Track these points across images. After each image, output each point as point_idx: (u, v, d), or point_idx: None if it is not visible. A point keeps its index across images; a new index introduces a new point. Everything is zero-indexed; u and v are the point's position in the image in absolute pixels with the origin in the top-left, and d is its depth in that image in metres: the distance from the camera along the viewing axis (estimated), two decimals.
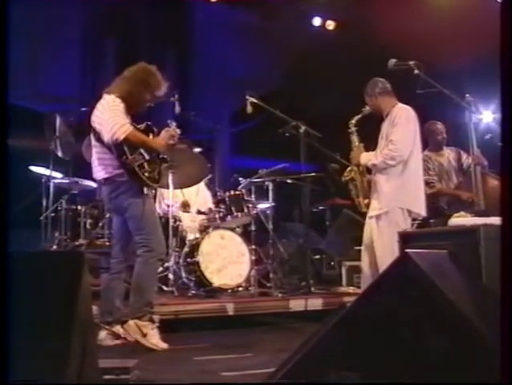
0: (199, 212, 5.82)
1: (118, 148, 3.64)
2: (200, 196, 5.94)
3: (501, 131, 2.18)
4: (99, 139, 3.72)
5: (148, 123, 3.91)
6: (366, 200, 4.34)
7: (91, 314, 2.26)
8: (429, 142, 5.39)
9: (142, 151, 3.74)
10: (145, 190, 3.78)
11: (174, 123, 3.98)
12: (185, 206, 5.66)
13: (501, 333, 1.77)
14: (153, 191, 4.54)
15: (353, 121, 4.50)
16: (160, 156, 3.94)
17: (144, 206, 3.74)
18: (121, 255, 3.87)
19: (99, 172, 3.79)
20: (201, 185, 5.93)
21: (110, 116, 3.63)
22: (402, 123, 4.22)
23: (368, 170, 4.44)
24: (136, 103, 3.81)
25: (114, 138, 3.56)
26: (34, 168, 5.69)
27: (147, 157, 3.76)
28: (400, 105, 4.36)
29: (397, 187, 4.22)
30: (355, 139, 4.49)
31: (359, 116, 4.48)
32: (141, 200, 3.74)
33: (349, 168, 4.45)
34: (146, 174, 3.74)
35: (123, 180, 3.71)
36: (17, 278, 1.83)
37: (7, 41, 2.04)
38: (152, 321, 3.69)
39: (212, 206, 5.48)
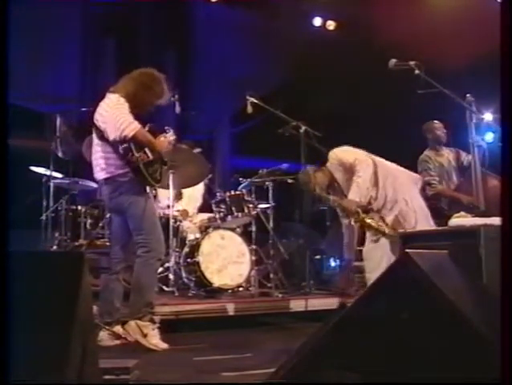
0: (185, 213, 5.74)
1: (124, 146, 3.65)
2: (194, 195, 5.92)
3: (501, 131, 2.18)
4: (102, 137, 3.72)
5: (150, 125, 3.91)
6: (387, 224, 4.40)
7: (91, 313, 2.26)
8: (429, 141, 5.40)
9: (147, 150, 3.75)
10: (147, 189, 3.80)
11: (171, 131, 3.99)
12: (178, 197, 5.63)
13: (501, 333, 1.77)
14: (153, 191, 4.56)
15: (317, 191, 4.59)
16: (162, 158, 3.95)
17: (145, 206, 3.75)
18: (120, 255, 3.87)
19: (101, 172, 3.79)
20: (200, 185, 5.92)
21: (117, 114, 3.63)
22: (338, 155, 4.56)
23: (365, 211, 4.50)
24: (137, 105, 3.80)
25: (123, 135, 3.57)
26: (34, 168, 5.69)
27: (151, 157, 3.77)
28: (329, 162, 4.60)
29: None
30: (329, 197, 4.56)
31: (317, 191, 4.60)
32: (142, 199, 3.76)
33: (353, 219, 4.44)
34: (150, 173, 3.76)
35: (125, 180, 3.72)
36: (17, 278, 1.83)
37: (7, 41, 2.03)
38: (152, 321, 3.69)
39: (198, 204, 5.46)
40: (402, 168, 4.69)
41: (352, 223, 4.42)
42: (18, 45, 6.24)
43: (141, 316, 3.64)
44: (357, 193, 4.35)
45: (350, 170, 4.45)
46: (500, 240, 1.96)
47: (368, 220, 4.29)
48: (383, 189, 4.44)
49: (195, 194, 5.94)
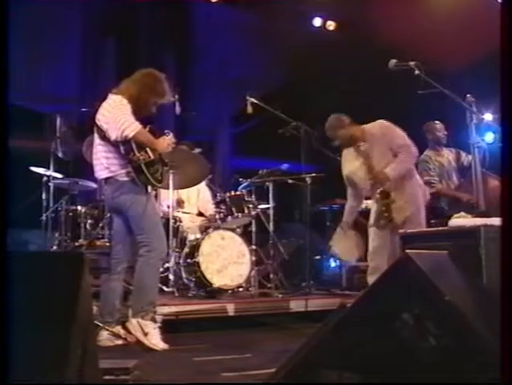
0: (199, 214, 5.82)
1: (126, 146, 3.66)
2: (201, 196, 5.95)
3: (501, 131, 2.18)
4: (104, 137, 3.74)
5: (150, 126, 3.92)
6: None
7: (91, 314, 2.26)
8: (429, 141, 5.41)
9: (148, 150, 3.76)
10: (149, 189, 3.81)
11: (171, 134, 4.00)
12: (180, 204, 5.64)
13: (501, 333, 1.77)
14: (154, 191, 4.57)
15: (341, 141, 4.48)
16: (162, 158, 3.96)
17: (146, 205, 3.77)
18: (121, 255, 3.88)
19: (102, 172, 3.80)
20: (202, 186, 5.94)
21: (119, 114, 3.66)
22: (391, 129, 4.37)
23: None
24: (140, 107, 3.82)
25: (124, 135, 3.59)
26: (34, 169, 5.69)
27: (152, 156, 3.78)
28: (371, 124, 4.45)
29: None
30: (368, 157, 4.31)
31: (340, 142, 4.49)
32: (143, 199, 3.77)
33: (380, 190, 4.27)
34: (151, 173, 3.77)
35: (126, 180, 3.74)
36: (17, 278, 1.83)
37: (7, 41, 2.04)
38: (154, 320, 3.69)
39: (212, 211, 5.49)
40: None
41: (378, 191, 4.26)
42: (18, 45, 6.25)
43: (143, 314, 3.65)
44: (395, 172, 4.24)
45: (392, 148, 4.31)
46: (500, 240, 1.96)
47: (392, 199, 4.21)
48: (405, 185, 4.36)
49: (206, 197, 5.96)
